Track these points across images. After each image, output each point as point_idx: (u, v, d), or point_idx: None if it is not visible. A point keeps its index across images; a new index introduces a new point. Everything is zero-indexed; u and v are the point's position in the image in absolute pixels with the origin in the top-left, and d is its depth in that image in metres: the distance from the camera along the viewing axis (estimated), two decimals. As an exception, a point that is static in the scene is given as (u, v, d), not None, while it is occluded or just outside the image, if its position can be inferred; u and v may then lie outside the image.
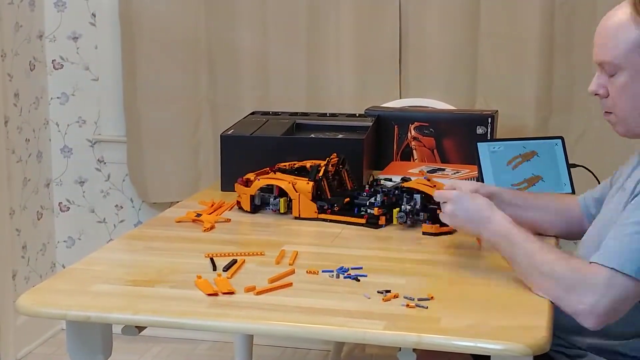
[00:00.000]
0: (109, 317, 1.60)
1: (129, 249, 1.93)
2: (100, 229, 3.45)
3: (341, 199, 2.18)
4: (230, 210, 2.25)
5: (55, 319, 3.02)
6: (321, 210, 2.16)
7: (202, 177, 3.25)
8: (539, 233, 1.96)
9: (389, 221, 2.13)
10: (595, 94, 1.78)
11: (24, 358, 3.25)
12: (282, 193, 2.20)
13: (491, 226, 1.76)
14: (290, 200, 2.18)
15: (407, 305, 1.58)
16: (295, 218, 2.17)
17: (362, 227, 2.11)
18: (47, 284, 1.75)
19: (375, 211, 2.11)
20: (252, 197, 2.20)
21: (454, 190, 1.83)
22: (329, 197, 2.18)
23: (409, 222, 2.09)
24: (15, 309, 1.65)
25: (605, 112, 1.79)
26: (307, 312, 1.58)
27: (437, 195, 1.87)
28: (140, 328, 1.68)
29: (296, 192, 2.17)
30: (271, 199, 2.19)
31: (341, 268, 1.77)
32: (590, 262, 1.62)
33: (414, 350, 1.53)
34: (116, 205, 3.43)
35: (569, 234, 2.04)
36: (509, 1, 2.92)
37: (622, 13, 1.71)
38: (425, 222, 2.06)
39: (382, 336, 1.50)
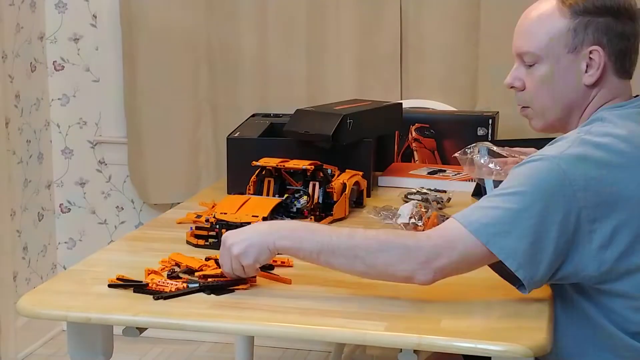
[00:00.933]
0: (110, 318, 1.60)
1: (129, 250, 1.93)
2: (101, 230, 3.45)
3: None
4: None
5: (56, 320, 3.02)
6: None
7: (202, 178, 3.26)
8: None
9: None
10: (512, 87, 1.75)
11: (25, 359, 3.25)
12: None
13: (281, 226, 1.66)
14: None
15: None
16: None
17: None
18: (47, 285, 1.75)
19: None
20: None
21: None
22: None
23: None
24: (16, 310, 1.65)
25: (522, 107, 1.76)
26: (308, 313, 1.58)
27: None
28: (141, 329, 1.67)
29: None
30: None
31: None
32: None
33: (415, 351, 1.53)
34: (117, 207, 3.43)
35: None
36: (509, 2, 2.92)
37: (546, 3, 1.69)
38: None
39: (382, 337, 1.50)
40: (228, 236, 1.64)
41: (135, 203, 3.41)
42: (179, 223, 2.15)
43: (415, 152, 2.64)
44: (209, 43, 3.16)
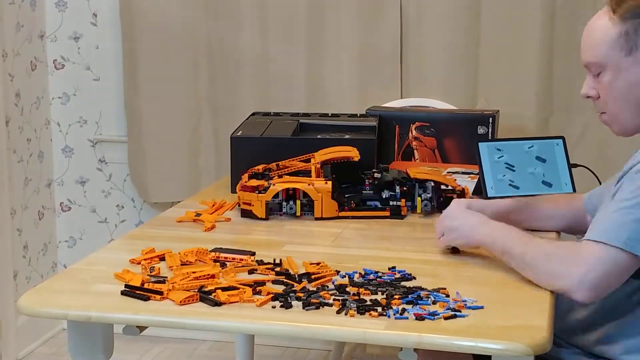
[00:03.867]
0: (110, 317, 1.61)
1: (130, 248, 1.93)
2: (102, 228, 3.45)
3: (356, 196, 2.19)
4: (230, 210, 2.25)
5: (57, 319, 3.03)
6: (341, 208, 2.17)
7: (202, 177, 3.26)
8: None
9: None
10: (588, 97, 1.83)
11: (25, 358, 3.25)
12: (288, 196, 2.18)
13: (485, 225, 1.81)
14: (302, 203, 2.17)
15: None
16: (317, 219, 2.16)
17: (364, 225, 2.12)
18: (48, 283, 1.75)
19: (402, 202, 2.17)
20: (268, 203, 2.17)
21: (445, 210, 1.91)
22: (344, 195, 2.19)
23: (429, 209, 2.19)
24: (17, 309, 1.65)
25: (601, 113, 1.84)
26: (308, 311, 1.58)
27: (437, 232, 1.91)
28: (141, 328, 1.68)
29: (318, 192, 2.16)
30: (283, 203, 2.18)
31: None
32: (582, 241, 1.66)
33: (415, 350, 1.53)
34: (117, 205, 3.43)
35: (570, 229, 2.09)
36: (509, 1, 2.92)
37: (601, 16, 1.78)
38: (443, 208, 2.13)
39: (382, 336, 1.51)
40: (457, 219, 1.85)
41: (136, 202, 3.41)
42: (179, 222, 2.15)
43: (415, 151, 2.64)
44: (209, 42, 3.16)
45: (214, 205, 2.27)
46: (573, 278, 1.61)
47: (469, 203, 1.94)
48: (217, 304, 1.59)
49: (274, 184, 2.17)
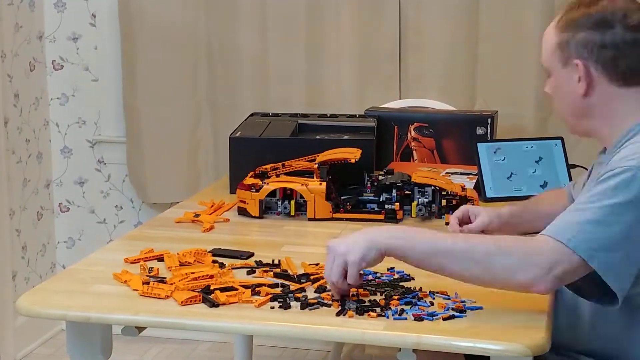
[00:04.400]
0: (109, 317, 1.61)
1: (129, 249, 1.93)
2: (100, 229, 3.45)
3: (353, 198, 2.19)
4: (228, 210, 2.25)
5: (55, 320, 3.02)
6: (336, 209, 2.17)
7: (201, 178, 3.26)
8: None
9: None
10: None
11: (24, 359, 3.25)
12: (285, 196, 2.19)
13: (383, 232, 1.62)
14: (299, 203, 2.18)
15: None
16: (310, 219, 2.17)
17: (363, 227, 2.11)
18: (47, 284, 1.75)
19: (397, 206, 2.15)
20: (261, 202, 2.18)
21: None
22: (340, 197, 2.19)
23: (426, 214, 2.17)
24: (15, 310, 1.66)
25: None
26: (307, 312, 1.58)
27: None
28: (140, 328, 1.68)
29: (311, 193, 2.16)
30: (279, 203, 2.19)
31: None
32: (540, 235, 1.61)
33: (414, 350, 1.53)
34: (116, 206, 3.43)
35: None
36: (508, 1, 2.93)
37: (551, 22, 1.79)
38: (442, 214, 2.16)
39: (381, 336, 1.51)
40: (334, 241, 1.61)
41: (135, 202, 3.41)
42: (177, 222, 2.15)
43: (414, 152, 2.64)
44: (209, 42, 3.16)
45: (212, 205, 2.27)
46: (536, 271, 1.55)
47: (467, 209, 1.94)
48: (215, 304, 1.59)
49: (268, 183, 2.18)
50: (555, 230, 1.58)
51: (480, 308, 1.59)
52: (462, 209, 2.00)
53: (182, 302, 1.60)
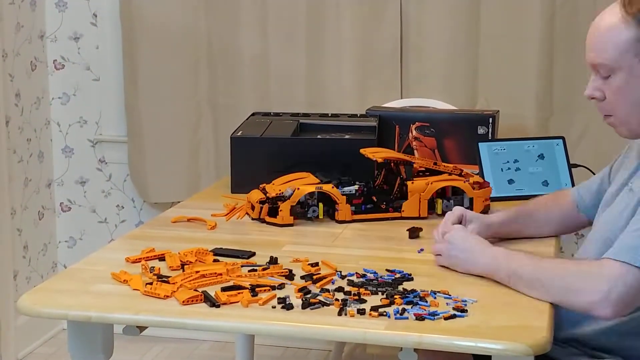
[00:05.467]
0: (110, 317, 1.61)
1: (130, 249, 1.93)
2: (102, 229, 3.45)
3: (375, 199, 2.19)
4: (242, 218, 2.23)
5: (57, 319, 3.03)
6: (358, 211, 2.17)
7: (202, 177, 3.26)
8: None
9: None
10: (592, 98, 1.77)
11: (25, 358, 3.25)
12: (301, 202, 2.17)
13: (488, 252, 1.76)
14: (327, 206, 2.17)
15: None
16: (338, 222, 2.15)
17: (364, 226, 2.13)
18: (48, 284, 1.75)
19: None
20: (293, 207, 2.13)
21: (447, 234, 1.84)
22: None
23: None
24: (17, 309, 1.65)
25: (605, 115, 1.78)
26: (308, 311, 1.58)
27: (434, 249, 1.86)
28: (141, 328, 1.68)
29: (342, 195, 2.15)
30: (311, 206, 2.15)
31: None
32: (602, 259, 1.63)
33: (415, 350, 1.53)
34: (117, 205, 3.43)
35: (565, 229, 2.07)
36: (509, 1, 2.92)
37: (612, 14, 1.71)
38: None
39: (383, 336, 1.50)
40: (455, 236, 1.82)
41: (136, 202, 3.41)
42: (174, 222, 2.15)
43: (415, 151, 2.64)
44: (209, 42, 3.16)
45: (233, 209, 2.25)
46: (595, 294, 1.58)
47: (463, 213, 1.93)
48: (216, 304, 1.59)
49: (298, 188, 2.14)
50: (616, 252, 1.60)
51: (480, 305, 1.58)
52: (458, 212, 1.97)
53: (183, 301, 1.60)
